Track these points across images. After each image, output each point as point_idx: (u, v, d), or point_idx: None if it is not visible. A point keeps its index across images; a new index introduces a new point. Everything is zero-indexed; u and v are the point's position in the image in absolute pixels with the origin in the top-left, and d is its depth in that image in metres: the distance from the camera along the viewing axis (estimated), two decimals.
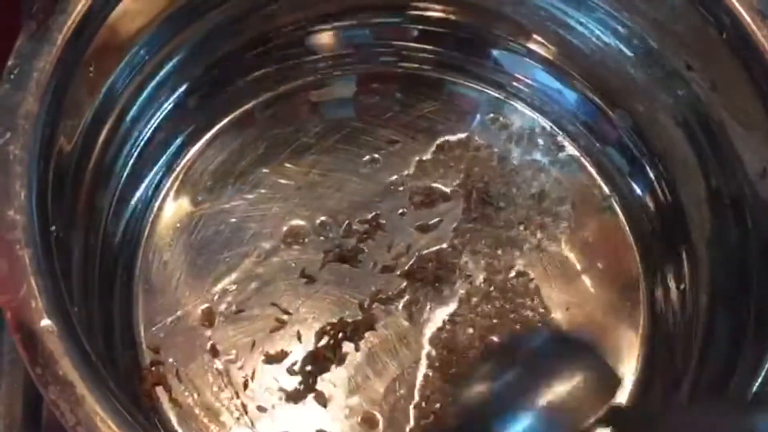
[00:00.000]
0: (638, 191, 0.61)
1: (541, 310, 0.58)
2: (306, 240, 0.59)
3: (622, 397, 0.55)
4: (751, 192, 0.53)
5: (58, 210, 0.47)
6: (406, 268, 0.58)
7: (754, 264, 0.52)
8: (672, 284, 0.59)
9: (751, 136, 0.52)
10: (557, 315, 0.58)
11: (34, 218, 0.43)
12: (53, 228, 0.45)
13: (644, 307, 0.59)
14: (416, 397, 0.55)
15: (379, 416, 0.55)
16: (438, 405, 0.55)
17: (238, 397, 0.54)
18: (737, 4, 0.50)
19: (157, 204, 0.59)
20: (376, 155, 0.61)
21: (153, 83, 0.56)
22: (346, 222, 0.59)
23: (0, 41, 0.47)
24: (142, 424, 0.41)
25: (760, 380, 0.45)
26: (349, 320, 0.57)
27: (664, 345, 0.57)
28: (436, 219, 0.60)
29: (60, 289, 0.43)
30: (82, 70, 0.48)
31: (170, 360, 0.55)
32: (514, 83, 0.64)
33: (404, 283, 0.58)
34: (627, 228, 0.61)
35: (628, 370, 0.57)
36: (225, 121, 0.62)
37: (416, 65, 0.64)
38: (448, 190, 0.61)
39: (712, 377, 0.52)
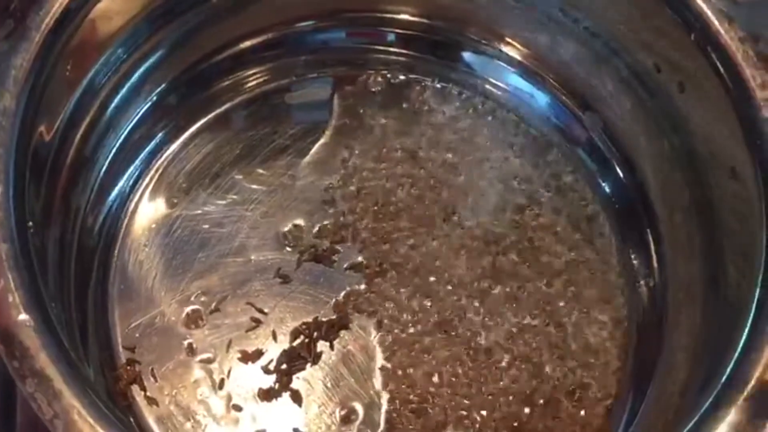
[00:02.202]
0: (608, 191, 0.62)
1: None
2: (281, 240, 0.59)
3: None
4: (721, 193, 0.53)
5: (35, 206, 0.47)
6: (380, 267, 0.59)
7: (723, 264, 0.53)
8: (642, 282, 0.60)
9: (720, 137, 0.53)
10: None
11: (12, 214, 0.43)
12: (30, 224, 0.45)
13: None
14: (391, 395, 0.55)
15: (354, 413, 0.55)
16: (414, 400, 0.55)
17: (214, 395, 0.55)
18: (704, 7, 0.51)
19: (133, 204, 0.59)
20: (352, 156, 0.62)
21: (131, 82, 0.57)
22: (321, 222, 0.60)
23: None
24: (119, 417, 0.41)
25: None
26: (324, 319, 0.57)
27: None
28: None
29: (37, 284, 0.43)
30: (60, 68, 0.49)
31: (146, 359, 0.55)
32: (486, 86, 0.64)
33: (378, 283, 0.58)
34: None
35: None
36: (201, 122, 0.62)
37: (390, 67, 0.65)
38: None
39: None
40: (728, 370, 0.45)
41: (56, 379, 0.40)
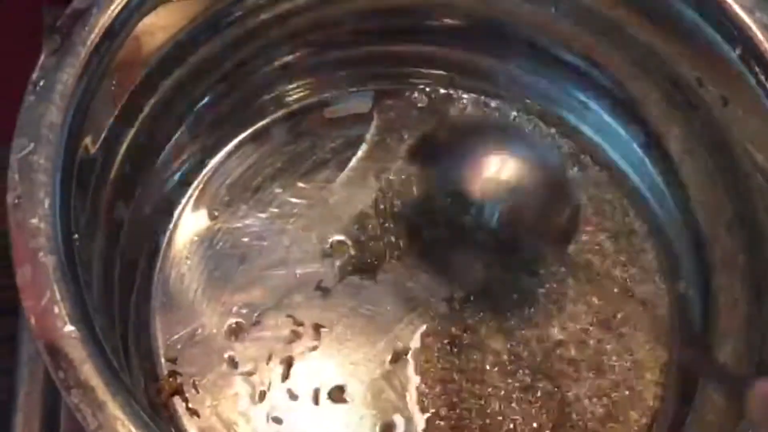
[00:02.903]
0: (651, 206, 0.62)
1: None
2: (322, 254, 0.59)
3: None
4: (765, 209, 0.53)
5: (80, 219, 0.48)
6: None
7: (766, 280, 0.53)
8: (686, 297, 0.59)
9: (764, 152, 0.52)
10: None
11: (58, 226, 0.44)
12: (75, 236, 0.45)
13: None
14: (427, 411, 0.55)
15: (395, 423, 0.55)
16: (453, 416, 0.55)
17: (254, 408, 0.55)
18: (748, 21, 0.50)
19: (174, 217, 0.60)
20: (392, 170, 0.62)
21: (173, 95, 0.57)
22: (361, 236, 0.60)
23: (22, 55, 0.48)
24: (161, 428, 0.42)
25: None
26: None
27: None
28: None
29: (82, 295, 0.43)
30: (105, 83, 0.50)
31: (187, 371, 0.55)
32: (527, 100, 0.64)
33: None
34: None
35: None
36: (242, 135, 0.62)
37: (431, 81, 0.65)
38: None
39: None
40: None
41: (100, 390, 0.41)
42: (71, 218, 0.46)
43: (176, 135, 0.60)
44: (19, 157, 0.44)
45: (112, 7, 0.48)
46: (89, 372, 0.41)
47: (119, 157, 0.54)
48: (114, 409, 0.41)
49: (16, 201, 0.44)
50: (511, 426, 0.55)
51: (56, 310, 0.42)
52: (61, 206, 0.45)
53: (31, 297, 0.42)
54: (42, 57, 0.47)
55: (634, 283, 0.60)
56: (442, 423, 0.55)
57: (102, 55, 0.49)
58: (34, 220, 0.43)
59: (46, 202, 0.44)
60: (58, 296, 0.42)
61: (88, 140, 0.49)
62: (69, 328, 0.42)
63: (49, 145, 0.45)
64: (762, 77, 0.50)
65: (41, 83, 0.46)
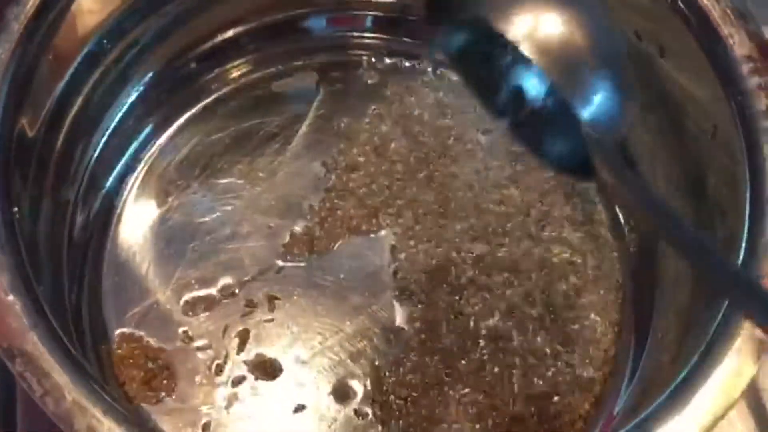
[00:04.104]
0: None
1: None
2: (273, 226, 0.59)
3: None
4: (707, 160, 0.53)
5: (22, 197, 0.48)
6: None
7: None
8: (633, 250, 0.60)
9: (702, 100, 0.53)
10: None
11: None
12: (15, 210, 0.45)
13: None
14: (390, 372, 0.56)
15: (353, 388, 0.55)
16: (415, 376, 0.56)
17: (212, 381, 0.55)
18: None
19: (124, 196, 0.60)
20: (340, 142, 0.62)
21: (115, 74, 0.57)
22: (312, 208, 0.60)
23: None
24: (108, 392, 0.42)
25: None
26: None
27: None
28: None
29: (24, 267, 0.43)
30: (42, 60, 0.49)
31: (143, 346, 0.55)
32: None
33: None
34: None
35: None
36: (189, 113, 0.62)
37: (373, 52, 0.65)
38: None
39: None
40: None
41: (44, 358, 0.41)
42: (11, 192, 0.45)
43: (121, 114, 0.60)
44: None
45: None
46: (32, 340, 0.41)
47: (61, 137, 0.54)
48: (60, 375, 0.41)
49: None
50: (472, 374, 0.56)
51: None
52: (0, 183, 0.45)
53: None
54: None
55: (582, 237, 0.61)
56: (399, 388, 0.55)
57: (36, 31, 0.48)
58: None
59: None
60: None
61: (26, 118, 0.49)
62: (10, 298, 0.42)
63: None
64: (695, 24, 0.51)
65: None
